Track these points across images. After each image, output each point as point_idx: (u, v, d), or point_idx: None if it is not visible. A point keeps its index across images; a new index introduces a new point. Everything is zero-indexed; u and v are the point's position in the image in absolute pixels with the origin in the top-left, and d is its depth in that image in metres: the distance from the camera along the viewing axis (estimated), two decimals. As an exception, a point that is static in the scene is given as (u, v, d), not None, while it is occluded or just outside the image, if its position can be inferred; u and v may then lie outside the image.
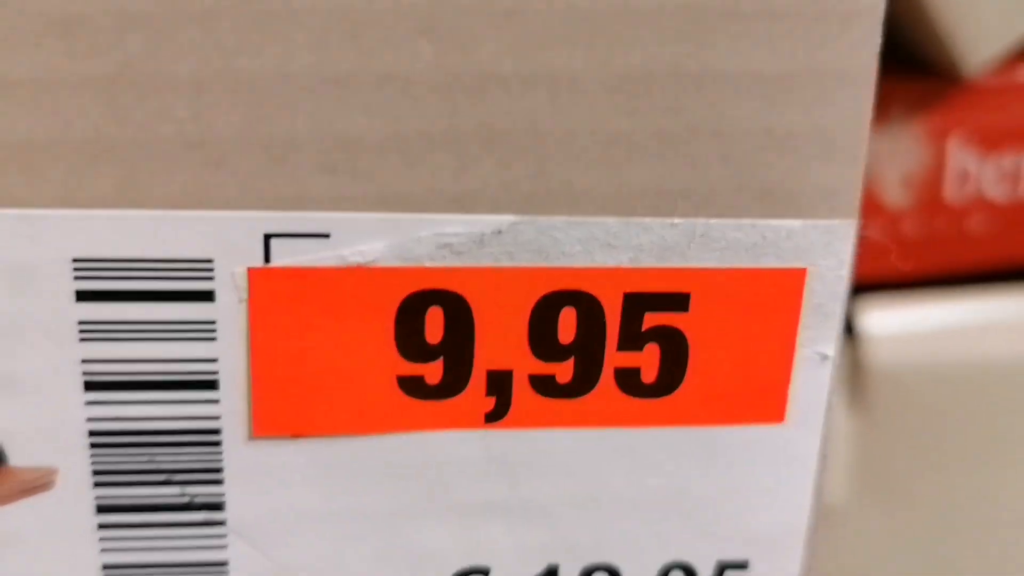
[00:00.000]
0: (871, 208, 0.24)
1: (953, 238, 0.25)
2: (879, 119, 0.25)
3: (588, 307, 0.12)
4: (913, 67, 0.22)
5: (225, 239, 0.11)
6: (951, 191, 0.25)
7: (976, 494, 0.27)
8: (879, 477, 0.26)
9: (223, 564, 0.13)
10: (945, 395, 0.25)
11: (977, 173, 0.25)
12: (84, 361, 0.12)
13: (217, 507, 0.12)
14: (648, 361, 0.12)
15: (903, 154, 0.24)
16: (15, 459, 0.12)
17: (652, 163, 0.12)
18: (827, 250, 0.12)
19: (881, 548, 0.27)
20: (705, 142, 0.12)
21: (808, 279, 0.12)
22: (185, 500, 0.12)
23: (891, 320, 0.25)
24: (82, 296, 0.11)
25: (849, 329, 0.24)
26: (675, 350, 0.12)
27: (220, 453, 0.12)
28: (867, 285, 0.25)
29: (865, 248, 0.26)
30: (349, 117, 0.11)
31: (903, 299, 0.25)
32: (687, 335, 0.12)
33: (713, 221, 0.12)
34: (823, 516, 0.25)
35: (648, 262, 0.12)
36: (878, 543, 0.27)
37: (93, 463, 0.12)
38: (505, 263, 0.12)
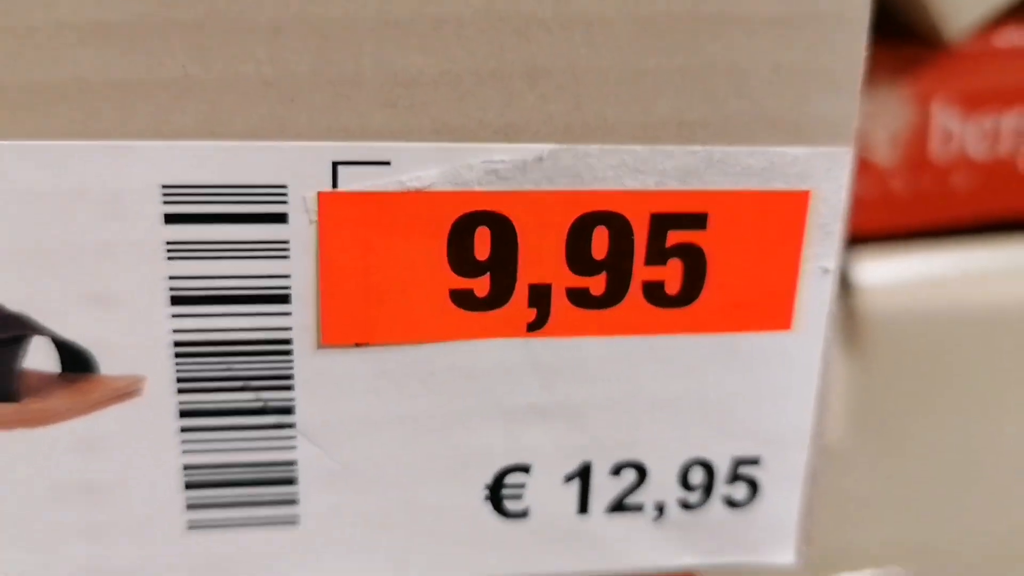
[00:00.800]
0: (860, 166, 0.26)
1: (938, 194, 0.26)
2: (867, 83, 0.26)
3: (619, 226, 0.13)
4: (899, 34, 0.23)
5: (297, 167, 0.13)
6: (936, 150, 0.26)
7: (966, 435, 0.28)
8: (874, 420, 0.27)
9: (292, 463, 0.14)
10: (935, 341, 0.27)
11: (960, 133, 0.26)
12: (171, 278, 0.13)
13: (288, 411, 0.14)
14: (671, 275, 0.14)
15: (890, 116, 0.26)
16: (106, 368, 0.13)
17: (675, 97, 0.13)
18: (828, 174, 0.14)
19: (876, 488, 0.28)
20: (721, 78, 0.13)
21: (811, 200, 0.14)
22: (259, 405, 0.14)
23: (883, 271, 0.26)
24: (170, 219, 0.13)
25: (844, 280, 0.26)
26: (695, 264, 0.14)
27: (291, 361, 0.14)
28: (860, 239, 0.26)
29: (857, 205, 0.28)
30: (408, 57, 0.13)
31: (894, 251, 0.26)
32: (705, 251, 0.14)
33: (728, 148, 0.13)
34: (821, 456, 0.27)
35: (672, 185, 0.13)
36: (873, 483, 0.28)
37: (177, 371, 0.13)
38: (545, 187, 0.13)
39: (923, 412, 0.27)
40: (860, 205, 0.26)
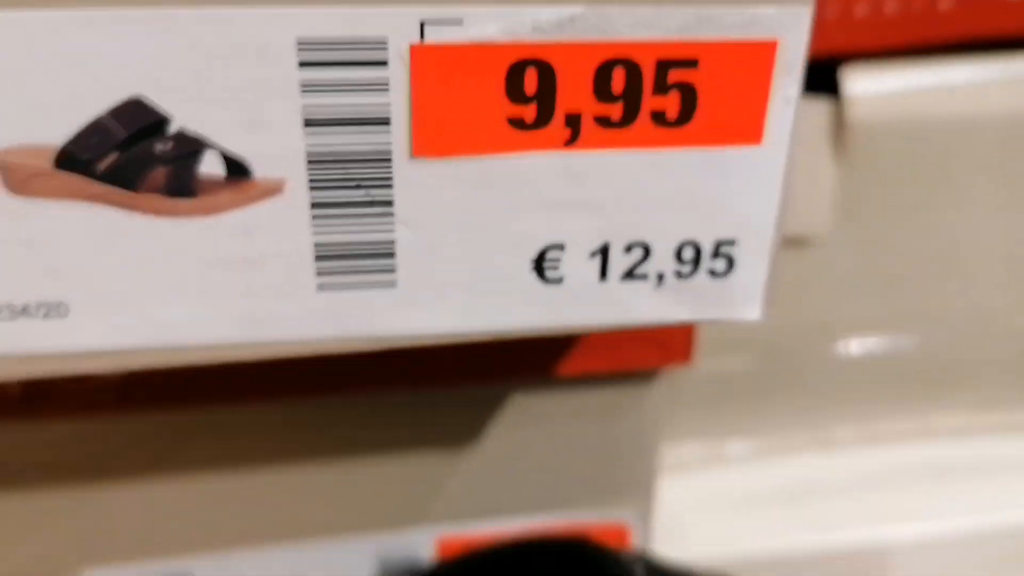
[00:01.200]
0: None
1: (926, 16, 0.30)
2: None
3: (632, 68, 0.18)
4: None
5: (394, 25, 0.17)
6: (926, -24, 0.30)
7: (939, 228, 0.33)
8: (859, 215, 0.32)
9: (392, 242, 0.19)
10: (915, 147, 0.31)
11: (949, -40, 0.29)
12: (304, 107, 0.18)
13: (389, 203, 0.19)
14: (671, 104, 0.18)
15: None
16: (258, 173, 0.19)
17: (676, -31, 0.17)
18: (792, 27, 0.18)
19: (861, 272, 0.33)
20: (712, -47, 0.17)
21: (779, 48, 0.18)
22: (368, 199, 0.19)
23: (871, 84, 0.30)
24: (303, 64, 0.18)
25: (835, 91, 0.30)
26: (689, 96, 0.18)
27: (391, 167, 0.19)
28: (854, 56, 0.30)
29: (853, 25, 0.32)
30: (476, -59, 0.17)
31: (882, 67, 0.30)
32: (697, 86, 0.18)
33: (715, 9, 0.18)
34: (809, 245, 0.32)
35: (673, 37, 0.18)
36: (858, 268, 0.33)
37: (309, 175, 0.19)
38: (578, 39, 0.18)
39: (902, 208, 0.32)
40: (856, 26, 0.30)
